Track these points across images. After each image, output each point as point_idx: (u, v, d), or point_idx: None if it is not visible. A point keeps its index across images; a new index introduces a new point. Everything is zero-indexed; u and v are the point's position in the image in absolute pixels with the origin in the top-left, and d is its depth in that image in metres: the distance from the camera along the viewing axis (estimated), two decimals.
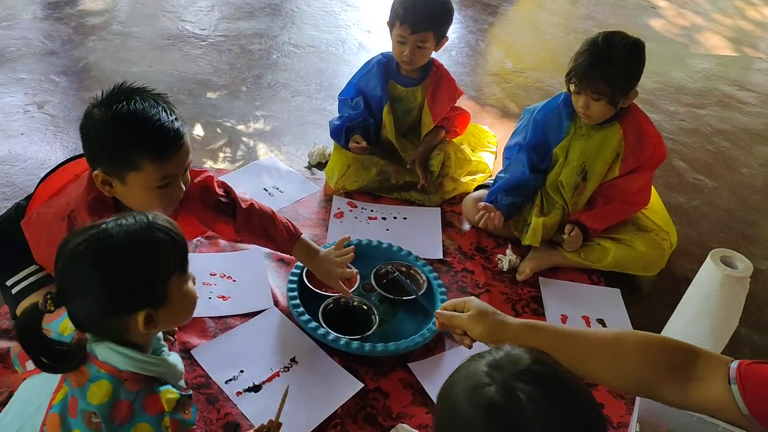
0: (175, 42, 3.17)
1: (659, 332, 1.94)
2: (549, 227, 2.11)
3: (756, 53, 4.17)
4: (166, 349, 1.24)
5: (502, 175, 2.17)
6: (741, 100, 3.50)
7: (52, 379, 1.12)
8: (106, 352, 1.10)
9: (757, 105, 3.47)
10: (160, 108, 1.36)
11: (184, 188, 1.46)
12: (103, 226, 1.09)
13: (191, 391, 1.20)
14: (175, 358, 1.22)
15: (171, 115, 1.37)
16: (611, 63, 1.90)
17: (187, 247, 1.16)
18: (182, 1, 3.58)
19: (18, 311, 1.56)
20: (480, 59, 3.53)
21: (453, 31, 3.82)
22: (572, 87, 1.96)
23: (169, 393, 1.13)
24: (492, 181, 2.27)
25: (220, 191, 1.71)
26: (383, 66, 2.29)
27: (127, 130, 1.33)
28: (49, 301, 1.06)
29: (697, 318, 1.79)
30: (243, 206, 1.73)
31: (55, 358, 1.08)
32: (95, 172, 1.38)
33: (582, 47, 1.96)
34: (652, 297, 2.14)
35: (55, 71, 2.80)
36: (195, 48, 3.14)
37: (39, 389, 1.14)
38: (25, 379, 1.22)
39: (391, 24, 2.19)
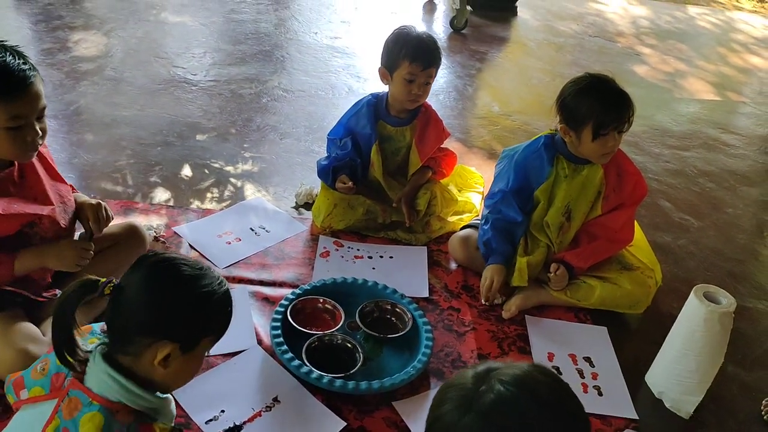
0: (166, 87, 3.21)
1: (646, 370, 1.93)
2: (534, 266, 2.11)
3: (740, 98, 4.26)
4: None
5: (492, 215, 2.14)
6: (725, 142, 3.55)
7: (45, 410, 1.12)
8: (101, 380, 1.10)
9: (742, 147, 3.53)
10: (7, 53, 1.44)
11: (40, 134, 1.52)
12: (199, 263, 1.19)
13: (182, 428, 1.20)
14: (168, 398, 1.22)
15: (19, 59, 1.46)
16: (621, 89, 1.96)
17: (229, 323, 1.24)
18: (175, 47, 3.65)
19: None
20: (468, 103, 3.59)
21: (441, 76, 3.91)
22: (603, 131, 1.92)
23: (162, 424, 1.13)
24: (478, 221, 2.28)
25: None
26: (373, 106, 2.33)
27: None
28: (109, 285, 1.11)
29: (683, 355, 1.78)
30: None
31: (69, 344, 1.11)
32: None
33: (587, 97, 1.94)
34: (639, 335, 2.13)
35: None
36: (186, 92, 3.19)
37: (31, 421, 1.13)
38: (17, 408, 1.20)
39: (394, 66, 2.21)
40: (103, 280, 1.12)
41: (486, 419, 0.86)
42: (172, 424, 1.23)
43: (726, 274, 2.47)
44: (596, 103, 1.92)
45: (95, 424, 1.07)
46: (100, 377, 1.11)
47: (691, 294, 1.76)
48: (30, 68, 1.47)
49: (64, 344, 1.11)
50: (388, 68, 2.24)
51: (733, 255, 2.60)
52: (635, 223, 2.29)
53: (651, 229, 2.66)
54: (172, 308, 1.13)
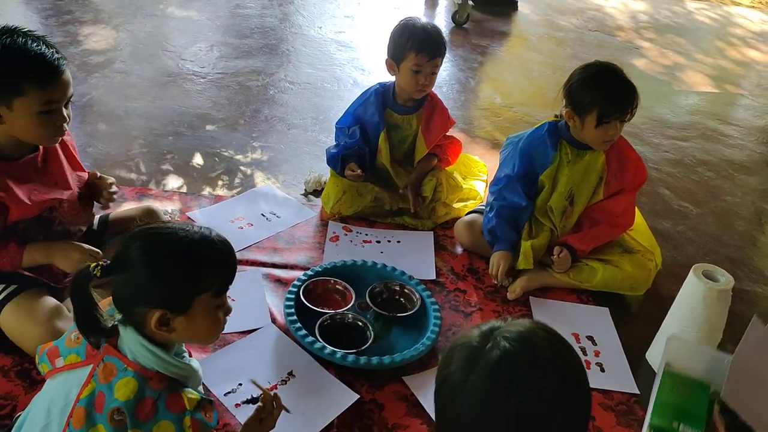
0: (175, 79, 3.27)
1: (646, 349, 1.99)
2: (538, 249, 2.18)
3: (738, 90, 4.32)
4: (186, 354, 1.30)
5: (497, 202, 2.20)
6: (724, 133, 3.61)
7: (81, 375, 1.17)
8: (135, 348, 1.16)
9: (740, 138, 3.59)
10: (40, 42, 1.52)
11: (67, 119, 1.59)
12: (174, 225, 1.20)
13: (213, 399, 1.25)
14: (197, 364, 1.27)
15: (51, 48, 1.53)
16: (627, 79, 2.03)
17: (233, 274, 1.23)
18: (182, 41, 3.71)
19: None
20: (470, 95, 3.65)
21: (444, 69, 3.97)
22: (606, 120, 1.98)
23: (191, 393, 1.18)
24: (483, 207, 2.34)
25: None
26: (380, 95, 2.39)
27: (12, 58, 1.48)
28: (99, 268, 1.15)
29: (682, 332, 1.84)
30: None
31: (89, 319, 1.16)
32: None
33: (592, 85, 2.00)
34: (639, 316, 2.19)
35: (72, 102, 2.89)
36: (195, 85, 3.25)
37: (68, 385, 1.18)
38: (52, 376, 1.24)
39: (400, 57, 2.27)
40: (93, 264, 1.15)
41: (492, 375, 0.89)
42: (201, 393, 1.29)
43: (724, 259, 2.53)
44: (602, 91, 1.98)
45: (130, 389, 1.13)
46: (133, 345, 1.17)
47: (690, 272, 1.83)
48: (62, 57, 1.55)
49: (87, 323, 1.17)
50: (394, 59, 2.30)
51: (732, 241, 2.67)
52: (636, 208, 2.36)
53: (651, 216, 2.72)
54: (145, 277, 1.15)
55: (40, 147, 1.66)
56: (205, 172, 2.57)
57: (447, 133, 2.47)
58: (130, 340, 1.17)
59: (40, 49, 1.50)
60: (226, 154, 2.71)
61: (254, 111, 3.08)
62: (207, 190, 2.46)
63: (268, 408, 1.39)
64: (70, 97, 1.59)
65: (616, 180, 2.16)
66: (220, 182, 2.53)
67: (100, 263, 1.15)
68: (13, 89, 1.49)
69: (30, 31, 1.55)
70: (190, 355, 1.33)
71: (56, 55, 1.53)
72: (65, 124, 1.59)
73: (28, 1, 3.98)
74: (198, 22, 4.01)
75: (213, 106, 3.06)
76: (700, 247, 2.59)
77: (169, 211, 2.22)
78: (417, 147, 2.43)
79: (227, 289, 1.23)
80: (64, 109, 1.58)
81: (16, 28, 1.53)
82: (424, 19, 2.32)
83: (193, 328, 1.20)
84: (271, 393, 1.41)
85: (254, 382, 1.44)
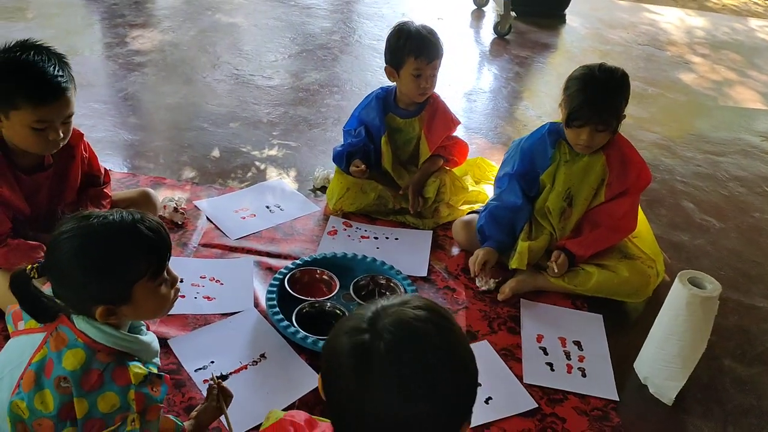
0: (208, 79, 3.41)
1: (634, 358, 1.93)
2: (536, 251, 2.15)
3: None
4: (143, 327, 1.34)
5: (493, 201, 2.23)
6: (765, 150, 3.46)
7: (35, 340, 1.23)
8: (84, 326, 1.21)
9: None
10: (52, 63, 1.58)
11: (62, 136, 1.65)
12: (92, 219, 1.19)
13: (164, 374, 1.28)
14: (149, 337, 1.32)
15: (59, 70, 1.59)
16: (613, 92, 1.98)
17: (167, 253, 1.25)
18: (223, 45, 3.86)
19: None
20: (501, 104, 3.63)
21: (477, 78, 3.98)
22: (576, 123, 1.99)
23: (137, 368, 1.22)
24: (482, 208, 2.33)
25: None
26: (381, 99, 2.42)
27: (12, 73, 1.56)
28: (34, 270, 1.20)
29: (665, 339, 1.78)
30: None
31: (38, 309, 1.21)
32: None
33: (576, 84, 2.00)
34: (637, 326, 2.11)
35: (95, 100, 3.07)
36: (226, 85, 3.38)
37: (22, 347, 1.24)
38: (13, 337, 1.32)
39: (399, 63, 2.30)
40: (29, 266, 1.19)
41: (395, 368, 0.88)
42: (157, 363, 1.34)
43: (740, 275, 2.42)
44: (578, 95, 1.96)
45: (77, 360, 1.18)
46: (82, 324, 1.21)
47: (676, 279, 1.77)
48: (67, 79, 1.62)
49: (34, 313, 1.22)
50: (393, 66, 2.33)
51: (752, 257, 2.55)
52: (641, 215, 2.30)
53: (669, 228, 2.64)
54: (77, 280, 1.17)
55: (52, 161, 1.79)
56: (220, 165, 2.67)
57: (453, 134, 2.48)
58: (79, 320, 1.22)
59: (43, 69, 1.58)
60: (243, 149, 2.81)
61: (279, 111, 3.17)
62: (218, 181, 2.56)
63: (212, 398, 1.43)
64: (69, 116, 1.67)
65: (618, 181, 2.11)
66: (232, 175, 2.62)
67: (35, 266, 1.19)
68: (8, 102, 1.59)
69: (49, 47, 1.63)
70: (148, 329, 1.37)
71: (59, 77, 1.60)
72: (60, 140, 1.67)
73: (88, 4, 4.24)
74: (242, 28, 4.17)
75: (239, 105, 3.17)
76: (715, 261, 2.48)
77: (176, 198, 2.31)
78: (421, 150, 2.45)
79: (164, 267, 1.25)
80: (61, 126, 1.66)
81: (35, 43, 1.62)
82: (417, 22, 2.33)
83: (141, 310, 1.25)
84: (215, 388, 1.44)
85: (212, 376, 1.47)
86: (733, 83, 4.35)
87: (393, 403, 0.86)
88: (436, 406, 0.87)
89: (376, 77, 3.68)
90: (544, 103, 3.67)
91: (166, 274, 1.26)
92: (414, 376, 0.87)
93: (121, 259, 1.19)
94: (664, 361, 1.79)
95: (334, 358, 0.91)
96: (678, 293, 1.74)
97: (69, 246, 1.17)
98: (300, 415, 1.12)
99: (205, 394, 1.62)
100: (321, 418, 1.18)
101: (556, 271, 2.09)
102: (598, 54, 4.55)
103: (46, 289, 1.25)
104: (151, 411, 1.22)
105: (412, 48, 2.24)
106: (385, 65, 2.36)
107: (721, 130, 3.62)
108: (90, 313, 1.20)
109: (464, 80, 3.83)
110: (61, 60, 1.64)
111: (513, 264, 2.15)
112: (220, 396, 1.44)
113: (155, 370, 1.27)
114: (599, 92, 1.96)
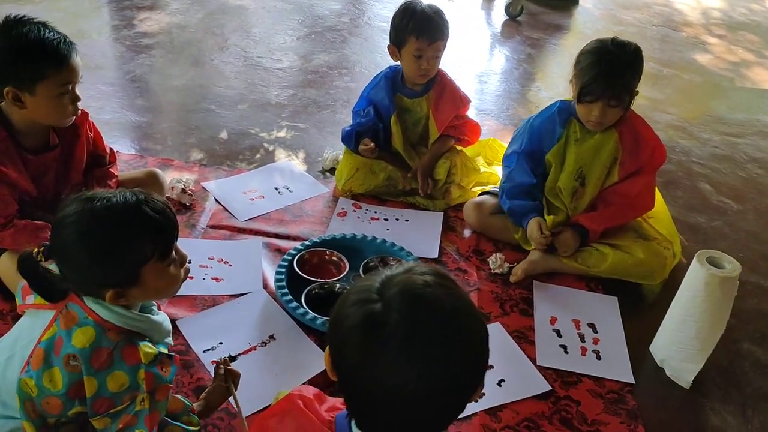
0: (216, 61, 3.38)
1: (650, 341, 1.89)
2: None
3: None
4: (155, 307, 1.32)
5: (506, 184, 2.18)
6: None
7: (45, 318, 1.21)
8: (94, 305, 1.19)
9: None
10: (48, 30, 1.63)
11: (80, 99, 1.71)
12: (95, 201, 1.16)
13: (174, 354, 1.26)
14: (161, 317, 1.29)
15: (58, 34, 1.64)
16: (627, 66, 1.93)
17: (173, 233, 1.21)
18: (231, 27, 3.82)
19: None
20: (513, 85, 3.57)
21: (487, 60, 3.92)
22: (588, 98, 1.94)
23: (147, 347, 1.20)
24: (495, 189, 2.29)
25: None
26: (390, 79, 2.38)
27: (33, 47, 1.59)
28: (41, 254, 1.17)
29: (683, 321, 1.74)
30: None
31: (47, 290, 1.19)
32: (6, 89, 1.61)
33: (588, 58, 1.97)
34: (654, 309, 2.06)
35: (103, 82, 3.04)
36: (234, 67, 3.34)
37: (33, 325, 1.22)
38: (22, 312, 1.30)
39: (401, 42, 2.25)
40: (36, 249, 1.17)
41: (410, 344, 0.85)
42: (169, 343, 1.31)
43: (759, 257, 2.37)
44: (590, 67, 1.91)
45: (87, 338, 1.15)
46: (92, 304, 1.19)
47: (694, 258, 1.72)
48: (70, 41, 1.67)
49: (44, 293, 1.20)
50: (395, 45, 2.28)
51: None
52: (659, 196, 2.25)
53: (685, 210, 2.59)
54: (84, 265, 1.14)
55: (58, 141, 1.78)
56: (228, 147, 2.64)
57: (464, 113, 2.43)
58: (89, 299, 1.20)
59: (52, 35, 1.62)
60: (252, 131, 2.77)
61: (288, 93, 3.13)
62: (226, 163, 2.52)
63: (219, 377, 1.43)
64: (80, 79, 1.70)
65: (631, 159, 2.05)
66: (240, 157, 2.59)
67: (42, 248, 1.17)
68: (36, 75, 1.61)
69: (33, 18, 1.66)
70: (159, 309, 1.34)
71: (67, 40, 1.65)
72: (78, 105, 1.71)
73: None
74: (250, 11, 4.12)
75: (247, 87, 3.13)
76: (733, 243, 2.43)
77: (184, 179, 2.29)
78: (430, 130, 2.40)
79: (171, 248, 1.22)
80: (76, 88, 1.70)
81: (23, 18, 1.64)
82: (425, 2, 2.27)
83: (150, 291, 1.22)
84: (222, 368, 1.43)
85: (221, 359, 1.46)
86: (751, 64, 4.26)
87: (407, 371, 0.83)
88: (454, 368, 0.85)
89: (386, 59, 3.56)
90: (557, 85, 3.61)
91: (174, 253, 1.23)
92: (430, 340, 0.84)
93: (127, 242, 1.15)
94: (682, 343, 1.75)
95: (343, 331, 0.88)
96: (696, 273, 1.70)
97: (73, 230, 1.14)
98: (309, 390, 1.08)
99: (213, 375, 1.62)
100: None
101: (561, 246, 2.04)
102: (611, 35, 4.44)
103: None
104: (161, 391, 1.20)
105: (414, 27, 2.19)
106: (388, 44, 2.31)
107: (738, 112, 3.55)
108: (99, 296, 1.18)
109: (475, 62, 3.77)
110: (54, 29, 1.67)
111: (523, 241, 2.11)
112: (228, 377, 1.42)
113: (165, 351, 1.25)
114: (612, 66, 1.91)
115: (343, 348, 0.88)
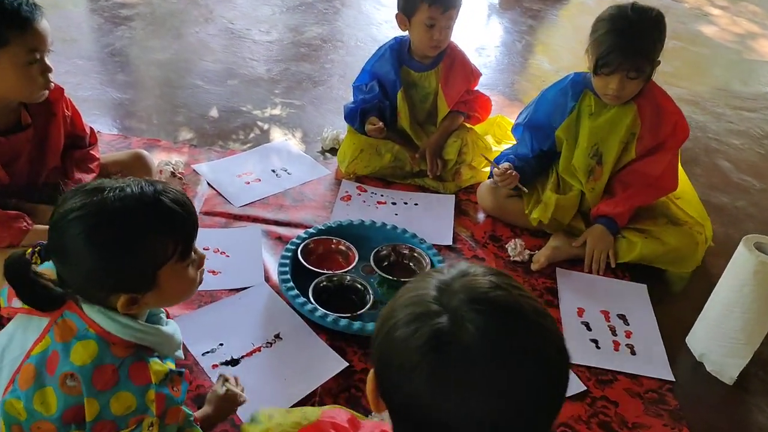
0: (201, 34, 3.16)
1: (686, 334, 1.75)
2: (565, 209, 1.96)
3: None
4: (163, 316, 1.14)
5: (509, 151, 2.07)
6: None
7: (39, 325, 1.03)
8: (96, 315, 1.00)
9: None
10: None
11: (51, 69, 1.52)
12: (106, 192, 0.97)
13: (184, 369, 1.09)
14: (171, 328, 1.11)
15: None
16: (648, 33, 1.76)
17: (195, 228, 1.05)
18: None
19: None
20: (515, 58, 3.40)
21: (489, 32, 3.73)
22: (605, 70, 1.78)
23: (158, 365, 1.03)
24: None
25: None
26: (396, 51, 2.19)
27: None
28: (36, 255, 1.00)
29: (728, 312, 1.59)
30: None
31: (39, 299, 1.01)
32: None
33: (605, 26, 1.79)
34: (683, 297, 1.94)
35: (80, 56, 2.81)
36: (222, 39, 3.13)
37: (25, 334, 1.04)
38: (8, 314, 1.10)
39: (412, 10, 2.07)
40: (29, 250, 1.00)
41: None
42: (180, 357, 1.14)
43: None
44: (607, 35, 1.74)
45: (88, 353, 0.98)
46: (94, 313, 1.01)
47: (740, 244, 1.58)
48: (34, 3, 1.48)
49: (34, 302, 1.02)
50: (405, 13, 2.09)
51: None
52: (683, 175, 2.10)
53: (707, 189, 2.45)
54: (94, 268, 0.97)
55: (30, 121, 1.58)
56: (219, 126, 2.44)
57: (474, 88, 2.25)
58: (90, 308, 1.01)
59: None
60: (244, 109, 2.57)
61: (280, 67, 2.93)
62: (219, 144, 2.33)
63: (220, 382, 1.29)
64: (50, 47, 1.52)
65: (650, 134, 1.88)
66: (233, 136, 2.39)
67: (36, 250, 1.00)
68: None
69: None
70: (168, 317, 1.16)
71: (30, 1, 1.46)
72: (48, 77, 1.52)
73: None
74: None
75: (236, 61, 2.93)
76: (761, 224, 2.30)
77: (173, 162, 2.09)
78: (439, 106, 2.22)
79: (191, 247, 1.05)
80: (46, 57, 1.51)
81: None
82: None
83: (166, 296, 1.05)
84: (223, 383, 1.30)
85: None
86: (756, 36, 4.12)
87: (495, 396, 0.67)
88: (552, 380, 0.71)
89: (382, 32, 3.43)
90: (561, 57, 3.44)
91: (193, 253, 1.06)
92: (519, 353, 0.69)
93: (146, 240, 0.99)
94: (725, 336, 1.61)
95: (401, 355, 0.70)
96: (744, 261, 1.55)
97: (80, 227, 0.95)
98: (341, 415, 0.92)
99: (214, 380, 1.45)
100: (361, 415, 0.99)
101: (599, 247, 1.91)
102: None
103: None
104: (171, 414, 1.03)
105: None
106: (396, 12, 2.12)
107: (749, 85, 3.42)
108: (106, 303, 1.00)
109: (474, 34, 3.58)
110: None
111: (535, 214, 1.96)
112: (237, 383, 1.26)
113: (173, 366, 1.08)
114: (631, 34, 1.73)
115: (402, 376, 0.71)
